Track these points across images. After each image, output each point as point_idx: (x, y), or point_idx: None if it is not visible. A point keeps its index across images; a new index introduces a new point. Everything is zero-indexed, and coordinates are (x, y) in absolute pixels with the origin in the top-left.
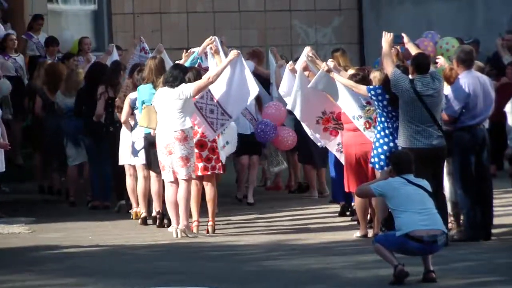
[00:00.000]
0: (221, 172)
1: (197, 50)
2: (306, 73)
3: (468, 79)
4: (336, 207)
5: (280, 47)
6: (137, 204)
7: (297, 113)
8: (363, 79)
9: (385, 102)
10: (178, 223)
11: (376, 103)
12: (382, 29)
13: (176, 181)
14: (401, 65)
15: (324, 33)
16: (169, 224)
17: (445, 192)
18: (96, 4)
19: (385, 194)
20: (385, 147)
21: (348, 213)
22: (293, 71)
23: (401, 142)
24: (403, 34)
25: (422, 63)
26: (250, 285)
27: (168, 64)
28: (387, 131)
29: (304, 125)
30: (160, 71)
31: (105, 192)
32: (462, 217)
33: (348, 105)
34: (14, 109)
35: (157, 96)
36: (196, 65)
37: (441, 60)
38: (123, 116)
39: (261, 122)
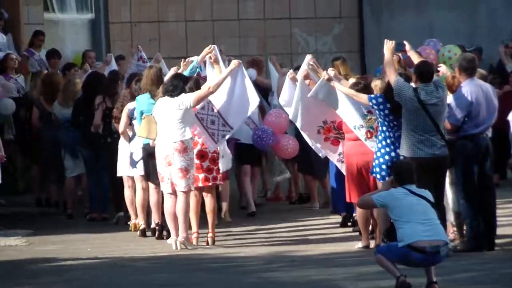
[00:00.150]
0: (222, 183)
1: (195, 59)
2: (307, 81)
3: (471, 87)
4: (337, 218)
5: (280, 56)
6: (136, 215)
7: (298, 124)
8: (365, 88)
9: (386, 111)
10: (177, 235)
11: (377, 112)
12: (383, 37)
13: (175, 193)
14: (403, 73)
15: (324, 41)
16: (168, 236)
17: (448, 202)
18: (93, 13)
19: (387, 204)
20: (386, 157)
21: (349, 223)
22: (294, 79)
23: (403, 151)
24: (405, 42)
25: (425, 72)
26: None
27: (166, 73)
28: (388, 141)
29: (304, 135)
30: (158, 81)
31: (103, 204)
32: (465, 227)
33: (349, 115)
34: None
35: (157, 106)
36: (195, 74)
37: (443, 68)
38: (121, 127)
39: (259, 129)
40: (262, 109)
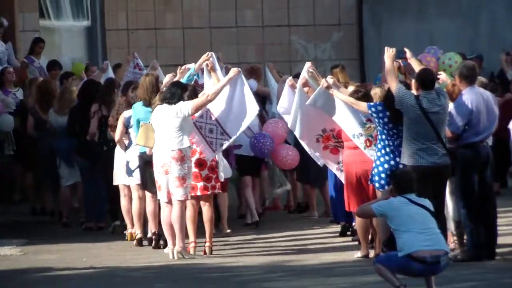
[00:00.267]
0: (221, 191)
1: (192, 66)
2: (306, 89)
3: (471, 95)
4: (337, 227)
5: (278, 63)
6: (132, 225)
7: (297, 132)
8: (365, 96)
9: (385, 119)
10: (174, 244)
11: (376, 120)
12: (383, 44)
13: (171, 202)
14: (402, 81)
15: (323, 48)
16: (165, 245)
17: (448, 211)
18: (89, 20)
19: (386, 214)
20: (386, 165)
21: (348, 233)
22: (293, 87)
23: (404, 159)
24: (405, 49)
25: (427, 79)
26: None
27: (162, 80)
28: (388, 149)
29: (303, 143)
30: (154, 89)
31: (99, 213)
32: (465, 236)
33: (347, 123)
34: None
35: (154, 113)
36: (192, 82)
37: (443, 76)
38: (117, 135)
39: (257, 134)
40: (263, 120)
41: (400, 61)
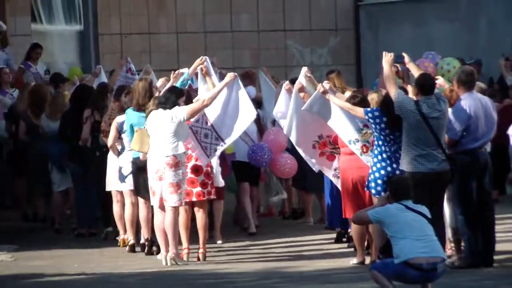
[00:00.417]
0: (215, 197)
1: (186, 71)
2: (302, 94)
3: (469, 101)
4: (332, 234)
5: (274, 68)
6: (125, 231)
7: (293, 138)
8: (362, 102)
9: (382, 125)
10: (167, 251)
11: (373, 126)
12: (380, 49)
13: (164, 208)
14: (401, 86)
15: (319, 53)
16: (158, 252)
17: (445, 217)
18: (82, 24)
19: (383, 220)
20: (382, 172)
21: (344, 239)
22: (290, 91)
23: (403, 165)
24: (403, 54)
25: (426, 84)
26: None
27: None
28: (384, 155)
29: (299, 150)
30: (148, 94)
31: (91, 219)
32: (462, 243)
33: (344, 129)
34: None
35: (150, 118)
36: (186, 87)
37: (440, 81)
38: (109, 141)
39: (254, 144)
40: (261, 127)
41: (398, 65)
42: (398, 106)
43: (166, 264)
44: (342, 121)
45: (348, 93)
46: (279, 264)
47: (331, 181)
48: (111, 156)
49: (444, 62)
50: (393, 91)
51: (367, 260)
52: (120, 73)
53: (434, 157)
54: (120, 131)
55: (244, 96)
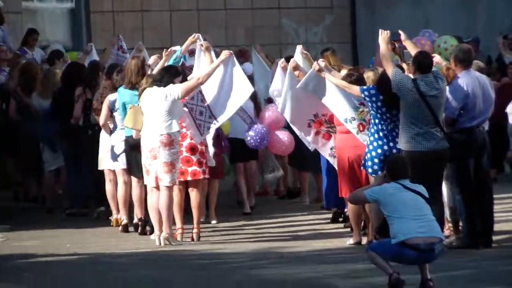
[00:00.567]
0: (209, 177)
1: (179, 48)
2: (296, 73)
3: (467, 79)
4: (328, 214)
5: (268, 47)
6: (118, 210)
7: (287, 116)
8: (359, 80)
9: (379, 103)
10: (161, 230)
11: (369, 104)
12: (376, 27)
13: (159, 187)
14: (398, 64)
15: (315, 32)
16: (152, 232)
17: (443, 197)
18: (73, 2)
19: (379, 200)
20: (379, 150)
21: (340, 219)
22: (285, 69)
23: (401, 144)
24: (400, 32)
25: (424, 62)
26: None
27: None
28: (381, 134)
29: (294, 128)
30: (140, 72)
31: (83, 198)
32: (460, 223)
33: (340, 107)
34: None
35: (144, 96)
36: (179, 64)
37: (437, 58)
38: (101, 119)
39: (253, 129)
40: (257, 104)
41: (396, 43)
42: (396, 85)
43: (160, 244)
44: (338, 100)
45: (344, 72)
46: (274, 244)
47: (327, 161)
48: (103, 134)
49: (441, 40)
50: (390, 70)
51: (364, 240)
52: (111, 51)
53: (432, 135)
54: (112, 109)
55: (239, 73)
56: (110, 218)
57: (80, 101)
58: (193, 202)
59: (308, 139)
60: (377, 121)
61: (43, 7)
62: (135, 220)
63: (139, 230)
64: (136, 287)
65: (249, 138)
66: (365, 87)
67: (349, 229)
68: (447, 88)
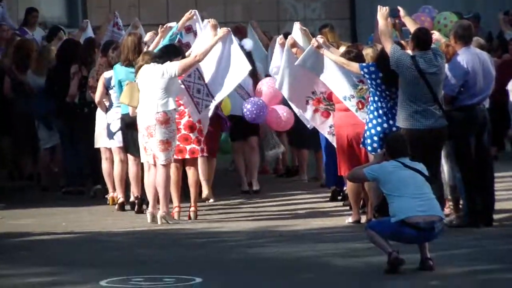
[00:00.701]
0: (207, 155)
1: (175, 25)
2: (294, 50)
3: (467, 56)
4: (327, 192)
5: (266, 23)
6: (114, 189)
7: (285, 93)
8: (358, 57)
9: (378, 81)
10: (154, 208)
11: (369, 81)
12: (375, 3)
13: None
14: (397, 41)
15: (313, 8)
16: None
17: (443, 176)
18: None
19: (379, 178)
20: (378, 128)
21: (339, 197)
22: (284, 45)
23: (399, 122)
24: (399, 8)
25: (423, 39)
26: (234, 274)
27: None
28: (380, 111)
29: (293, 105)
30: (137, 49)
31: (79, 177)
32: (461, 202)
33: (338, 85)
34: None
35: (141, 73)
36: (176, 41)
37: (436, 35)
38: (97, 97)
39: (249, 101)
40: (256, 81)
41: (396, 19)
42: (394, 62)
43: (151, 221)
44: (337, 77)
45: (342, 48)
46: (271, 223)
47: (326, 138)
48: (99, 112)
49: (441, 16)
50: (389, 46)
51: (363, 219)
52: (107, 28)
53: (431, 113)
54: (107, 87)
55: (237, 51)
56: (106, 196)
57: (76, 79)
58: (191, 180)
59: (307, 117)
60: (376, 98)
61: None
62: (132, 199)
63: (135, 209)
64: (133, 266)
65: (245, 110)
66: (364, 64)
67: (348, 208)
68: (447, 65)
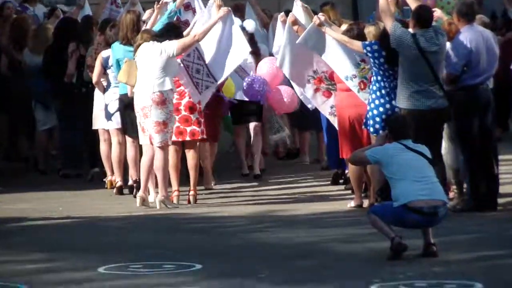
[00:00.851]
0: (206, 137)
1: (173, 2)
2: (295, 27)
3: (470, 34)
4: (328, 175)
5: (267, 1)
6: (112, 172)
7: (286, 72)
8: (359, 35)
9: (381, 60)
10: (145, 191)
11: (371, 60)
12: None
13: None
14: (399, 19)
15: None
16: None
17: (447, 159)
18: None
19: (381, 161)
20: (381, 109)
21: (341, 181)
22: (285, 23)
23: (400, 102)
24: None
25: (423, 16)
26: (234, 259)
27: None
28: (383, 91)
29: (294, 84)
30: (135, 27)
31: (77, 159)
32: (464, 185)
33: (341, 64)
34: None
35: (140, 51)
36: (174, 19)
37: (438, 13)
38: (94, 76)
39: (249, 77)
40: (259, 61)
41: None
42: (395, 39)
43: (140, 205)
44: (339, 56)
45: (344, 26)
46: (272, 207)
47: (327, 120)
48: (97, 92)
49: None
50: (389, 24)
51: (365, 203)
52: (105, 5)
53: (432, 93)
54: (105, 66)
55: (237, 32)
56: (104, 179)
57: (74, 58)
58: (190, 163)
59: (308, 97)
60: (379, 78)
61: None
62: (130, 182)
63: (134, 192)
64: (131, 251)
65: (244, 84)
66: (367, 42)
67: (349, 192)
68: (449, 44)
